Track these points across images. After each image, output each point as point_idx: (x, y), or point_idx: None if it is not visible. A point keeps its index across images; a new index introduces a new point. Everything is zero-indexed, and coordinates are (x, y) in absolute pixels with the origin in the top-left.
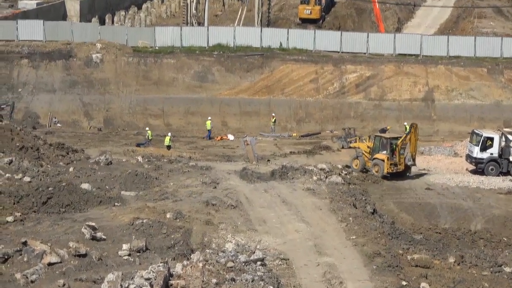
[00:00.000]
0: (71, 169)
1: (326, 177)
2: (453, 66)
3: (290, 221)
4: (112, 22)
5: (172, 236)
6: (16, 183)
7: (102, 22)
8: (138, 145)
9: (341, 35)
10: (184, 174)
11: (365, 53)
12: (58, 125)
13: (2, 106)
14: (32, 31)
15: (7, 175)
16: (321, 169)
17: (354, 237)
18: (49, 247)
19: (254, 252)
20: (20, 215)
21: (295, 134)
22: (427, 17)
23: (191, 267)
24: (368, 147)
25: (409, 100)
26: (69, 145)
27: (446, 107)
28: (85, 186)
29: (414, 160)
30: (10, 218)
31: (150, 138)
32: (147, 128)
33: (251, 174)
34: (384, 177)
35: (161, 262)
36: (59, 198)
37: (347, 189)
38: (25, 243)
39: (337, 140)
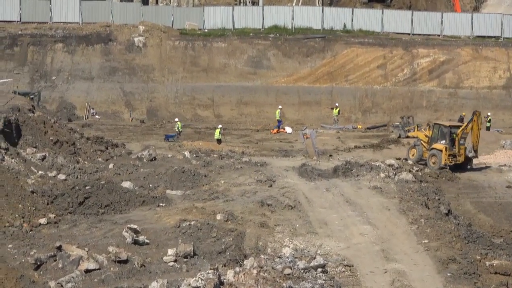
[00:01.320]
0: (111, 165)
1: (395, 174)
2: None
3: (354, 223)
4: (157, 2)
5: (223, 240)
6: (50, 181)
7: (145, 1)
8: (167, 137)
9: (412, 15)
10: (236, 171)
11: (439, 35)
12: (97, 116)
13: (30, 96)
14: (67, 11)
15: (40, 172)
16: (389, 165)
17: (426, 241)
18: (86, 252)
19: (314, 258)
20: (55, 217)
21: (360, 126)
22: None
23: (244, 274)
24: (426, 136)
25: (488, 88)
26: (109, 139)
27: None
28: (126, 184)
29: (476, 151)
30: (43, 220)
31: (180, 130)
32: (176, 119)
33: (311, 171)
34: (441, 169)
35: (210, 269)
36: (97, 198)
37: (419, 188)
38: (59, 248)
39: (394, 128)
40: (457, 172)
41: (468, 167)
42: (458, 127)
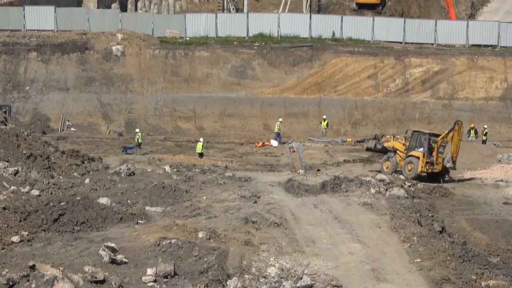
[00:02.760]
0: (87, 180)
1: (386, 190)
2: None
3: (343, 241)
4: (136, 9)
5: (205, 259)
6: (22, 197)
7: (123, 8)
8: (125, 149)
9: (404, 22)
10: (219, 187)
11: (432, 44)
12: (72, 129)
13: (2, 109)
14: (41, 19)
15: (12, 187)
16: (380, 180)
17: (419, 260)
18: (61, 272)
19: (301, 278)
20: (28, 235)
21: (349, 139)
22: (506, 1)
23: None
24: (403, 145)
25: (485, 99)
26: (85, 152)
27: None
28: (103, 200)
29: (454, 163)
30: (15, 238)
31: (139, 141)
32: (137, 130)
33: (298, 187)
34: (415, 178)
35: None
36: (72, 215)
37: (411, 204)
38: (33, 267)
39: (368, 140)
40: (431, 182)
41: (445, 178)
42: (438, 135)
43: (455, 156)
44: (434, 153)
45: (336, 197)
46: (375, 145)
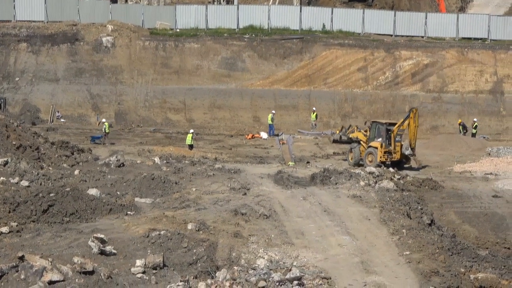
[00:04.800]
0: (76, 171)
1: (376, 182)
2: None
3: (332, 233)
4: (126, 0)
5: (194, 250)
6: (12, 188)
7: None
8: (93, 139)
9: (394, 15)
10: (208, 178)
11: (422, 37)
12: (62, 120)
13: None
14: (31, 9)
15: (1, 178)
16: (369, 173)
17: (408, 252)
18: (50, 263)
19: (290, 270)
20: (17, 225)
21: (338, 131)
22: None
23: (216, 286)
24: (365, 135)
25: (474, 93)
26: (75, 143)
27: None
28: (92, 191)
29: (413, 149)
30: (5, 229)
31: (106, 131)
32: (104, 120)
33: (287, 179)
34: (378, 166)
35: (181, 281)
36: (62, 206)
37: (400, 197)
38: (22, 258)
39: (333, 133)
40: (396, 169)
41: (408, 166)
42: (395, 124)
43: (413, 143)
44: (392, 142)
45: (326, 190)
46: (340, 137)
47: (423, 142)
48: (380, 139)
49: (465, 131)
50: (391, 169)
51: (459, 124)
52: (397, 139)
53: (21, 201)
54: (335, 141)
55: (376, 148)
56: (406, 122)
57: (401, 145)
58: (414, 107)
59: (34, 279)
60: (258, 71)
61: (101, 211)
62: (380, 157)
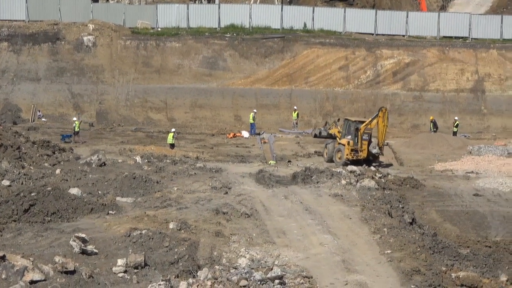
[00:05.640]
0: (58, 171)
1: (357, 181)
2: (507, 50)
3: (314, 232)
4: None
5: (175, 249)
6: None
7: None
8: (63, 137)
9: (375, 14)
10: (190, 177)
11: (404, 36)
12: (43, 119)
13: None
14: (12, 9)
15: None
16: (351, 172)
17: (389, 251)
18: (31, 263)
19: (271, 269)
20: None
21: (323, 127)
22: None
23: (197, 286)
24: (339, 132)
25: (455, 91)
26: (56, 143)
27: (499, 99)
28: (74, 191)
29: (380, 148)
30: None
31: (77, 129)
32: (74, 118)
33: (269, 178)
34: (345, 164)
35: (162, 280)
36: (43, 205)
37: (382, 195)
38: (3, 258)
39: (314, 129)
40: (364, 166)
41: (375, 164)
42: (363, 122)
43: (381, 142)
44: (359, 140)
45: (307, 188)
46: (320, 132)
47: (404, 140)
48: (349, 137)
49: (435, 129)
50: (372, 168)
51: (431, 121)
52: (364, 137)
53: (2, 200)
54: (315, 136)
55: (344, 145)
56: (375, 121)
57: (368, 144)
58: (383, 107)
59: (15, 278)
60: (239, 70)
61: (82, 211)
62: (347, 155)
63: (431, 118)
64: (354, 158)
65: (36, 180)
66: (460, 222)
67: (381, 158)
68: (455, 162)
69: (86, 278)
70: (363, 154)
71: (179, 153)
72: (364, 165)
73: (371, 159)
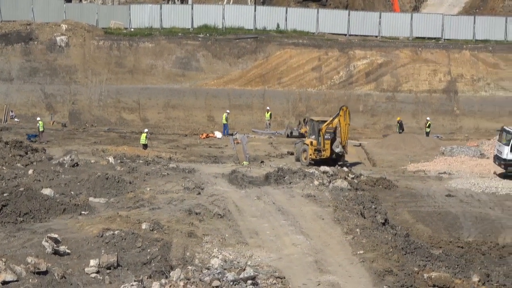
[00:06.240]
0: (30, 171)
1: (330, 182)
2: (480, 51)
3: (286, 233)
4: (80, 0)
5: (148, 250)
6: None
7: None
8: (29, 137)
9: (348, 15)
10: (163, 178)
11: (376, 36)
12: (16, 120)
13: None
14: None
15: None
16: (323, 172)
17: (361, 252)
18: (3, 263)
19: (244, 269)
20: None
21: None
22: None
23: (170, 286)
24: (306, 132)
25: (428, 92)
26: (28, 143)
27: (471, 99)
28: (46, 191)
29: (344, 147)
30: None
31: (41, 130)
32: (38, 118)
33: (242, 178)
34: (310, 164)
35: (135, 281)
36: (15, 206)
37: (354, 196)
38: None
39: (287, 128)
40: (330, 166)
41: (341, 163)
42: (325, 121)
43: (344, 141)
44: (321, 140)
45: (280, 189)
46: (291, 132)
47: (377, 141)
48: (313, 136)
49: (401, 130)
50: (345, 168)
51: (397, 122)
52: (326, 136)
53: None
54: (288, 136)
55: (308, 145)
56: (336, 120)
57: (331, 143)
58: (344, 105)
59: None
60: (212, 70)
61: (55, 211)
62: (310, 155)
63: (398, 119)
64: (317, 157)
65: (8, 180)
66: (433, 222)
67: (353, 158)
68: (428, 162)
69: (58, 279)
70: (326, 154)
71: (152, 154)
72: (338, 166)
73: (335, 158)
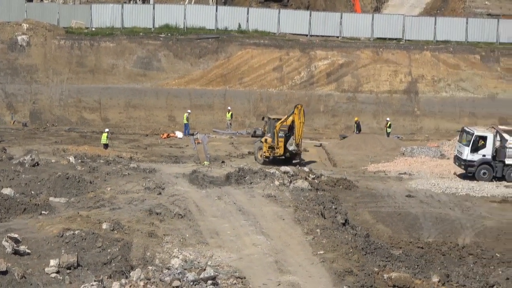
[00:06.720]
0: None
1: (290, 182)
2: (440, 52)
3: (247, 233)
4: None
5: (108, 250)
6: None
7: None
8: None
9: (310, 15)
10: (123, 178)
11: (338, 37)
12: None
13: None
14: None
15: None
16: (284, 173)
17: (322, 252)
18: None
19: (204, 269)
20: None
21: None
22: None
23: (130, 286)
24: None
25: (389, 92)
26: None
27: (432, 100)
28: (6, 191)
29: (298, 145)
30: None
31: None
32: None
33: (202, 178)
34: (265, 162)
35: (95, 281)
36: None
37: (315, 196)
38: None
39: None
40: (285, 165)
41: (296, 161)
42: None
43: (298, 139)
44: (275, 138)
45: (240, 189)
46: (255, 131)
47: (337, 141)
48: (269, 135)
49: (358, 131)
50: (306, 168)
51: (355, 123)
52: (280, 134)
53: None
54: (253, 136)
55: (263, 143)
56: (291, 118)
57: (286, 141)
58: (299, 104)
59: None
60: (173, 70)
61: (15, 211)
62: (264, 152)
63: (355, 119)
64: (271, 155)
65: None
66: (393, 223)
67: (313, 158)
68: (388, 163)
69: (18, 279)
70: (279, 151)
71: (113, 154)
72: (295, 165)
73: (289, 157)
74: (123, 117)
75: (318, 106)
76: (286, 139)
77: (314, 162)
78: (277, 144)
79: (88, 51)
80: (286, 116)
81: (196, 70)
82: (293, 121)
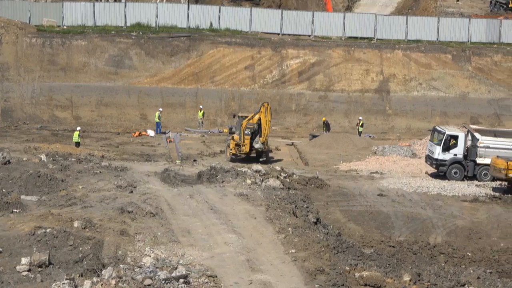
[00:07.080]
0: None
1: (262, 181)
2: (412, 51)
3: (219, 231)
4: None
5: (80, 248)
6: None
7: None
8: None
9: (282, 14)
10: (95, 176)
11: (309, 36)
12: None
13: None
14: None
15: None
16: (256, 171)
17: (293, 250)
18: None
19: (176, 268)
20: None
21: (226, 130)
22: None
23: (101, 284)
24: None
25: (360, 91)
26: None
27: (403, 99)
28: None
29: (264, 143)
30: None
31: None
32: None
33: (174, 177)
34: (232, 160)
35: (66, 279)
36: None
37: (286, 195)
38: None
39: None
40: (251, 163)
41: (263, 159)
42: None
43: (265, 137)
44: (241, 136)
45: (212, 188)
46: (230, 128)
47: (309, 140)
48: (238, 132)
49: (327, 130)
50: (277, 167)
51: (323, 122)
52: (246, 132)
53: None
54: (229, 133)
55: (231, 140)
56: (257, 116)
57: (250, 139)
58: (266, 102)
59: None
60: (145, 68)
61: None
62: (231, 149)
63: (323, 119)
64: (237, 153)
65: None
66: (364, 222)
67: (285, 157)
68: (360, 162)
69: None
70: (245, 149)
71: (84, 152)
72: (270, 164)
73: (256, 155)
74: (95, 115)
75: (290, 105)
76: (254, 137)
77: (281, 160)
78: (243, 142)
79: (59, 49)
80: (253, 114)
81: (168, 69)
82: (259, 119)
